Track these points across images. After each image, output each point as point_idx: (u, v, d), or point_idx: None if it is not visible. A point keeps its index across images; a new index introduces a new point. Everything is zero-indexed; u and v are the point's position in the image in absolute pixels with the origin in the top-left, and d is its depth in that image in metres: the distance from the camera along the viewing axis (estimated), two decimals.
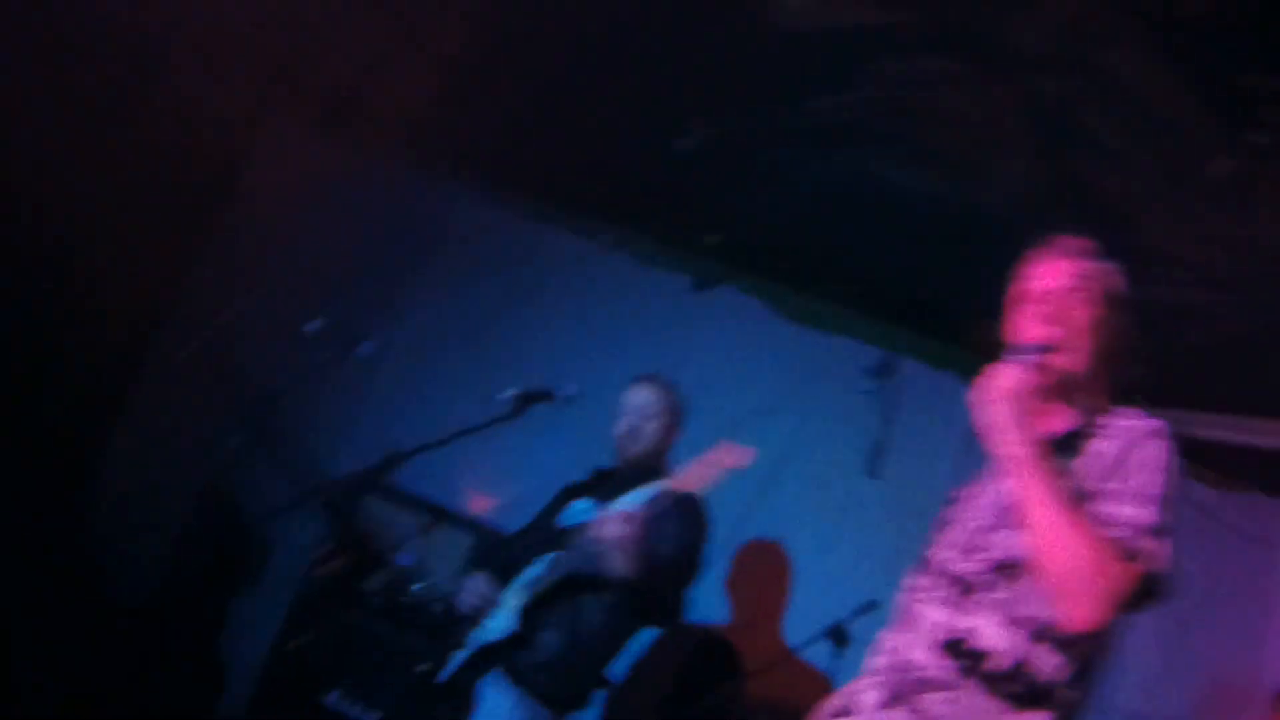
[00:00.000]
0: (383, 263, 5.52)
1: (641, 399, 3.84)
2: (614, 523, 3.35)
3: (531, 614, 3.49)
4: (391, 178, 5.49)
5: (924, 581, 2.17)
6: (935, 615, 2.08)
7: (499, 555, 3.81)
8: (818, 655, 4.37)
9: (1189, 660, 5.40)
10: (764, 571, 5.35)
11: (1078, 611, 1.90)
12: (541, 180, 5.44)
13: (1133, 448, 2.02)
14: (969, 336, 5.13)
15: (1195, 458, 5.26)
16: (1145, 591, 1.94)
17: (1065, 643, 1.97)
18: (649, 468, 3.73)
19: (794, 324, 5.63)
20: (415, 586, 4.22)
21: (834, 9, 3.44)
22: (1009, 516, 2.04)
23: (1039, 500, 1.95)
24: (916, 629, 2.11)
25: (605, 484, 3.76)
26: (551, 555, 3.55)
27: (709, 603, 5.14)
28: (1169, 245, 4.08)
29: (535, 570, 3.56)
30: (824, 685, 4.26)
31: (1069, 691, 2.00)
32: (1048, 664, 1.97)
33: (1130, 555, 1.91)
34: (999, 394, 2.02)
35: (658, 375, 3.96)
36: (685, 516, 3.57)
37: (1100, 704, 5.12)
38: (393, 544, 4.67)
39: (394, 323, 5.44)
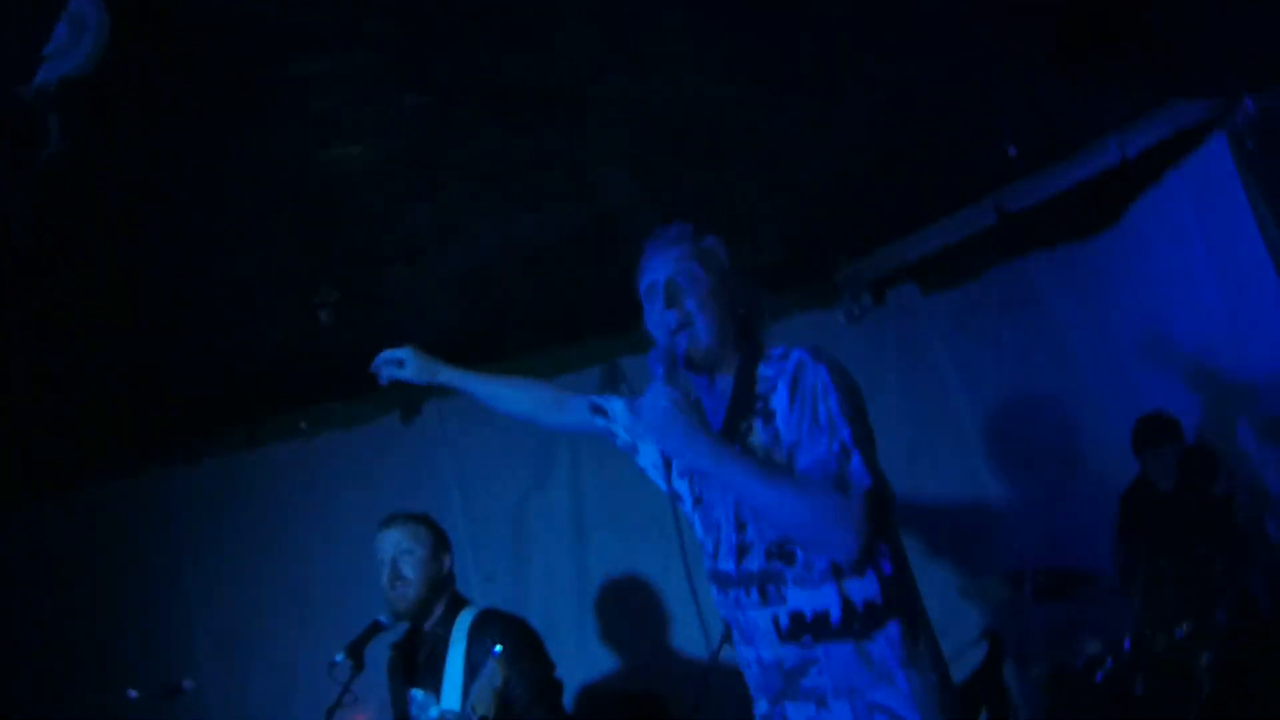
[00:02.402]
0: None
1: (391, 541, 3.55)
2: None
3: None
4: None
5: (728, 594, 2.32)
6: (758, 618, 2.25)
7: None
8: None
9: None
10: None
11: (836, 553, 2.13)
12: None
13: (797, 385, 2.20)
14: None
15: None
16: (875, 504, 2.11)
17: (858, 566, 2.17)
18: (441, 624, 3.53)
19: None
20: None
21: None
22: (744, 508, 2.26)
23: (747, 486, 2.13)
24: (754, 637, 2.28)
25: (416, 659, 3.56)
26: None
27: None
28: None
29: None
30: None
31: (895, 590, 2.22)
32: (859, 591, 2.18)
33: (842, 485, 2.09)
34: (664, 418, 2.15)
35: (399, 511, 3.65)
36: (519, 659, 3.37)
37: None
38: None
39: None
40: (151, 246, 3.86)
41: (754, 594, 2.25)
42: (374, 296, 4.64)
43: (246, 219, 3.86)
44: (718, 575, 2.35)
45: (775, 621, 2.22)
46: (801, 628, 2.20)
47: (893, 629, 2.18)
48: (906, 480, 4.96)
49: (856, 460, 2.10)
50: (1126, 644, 4.26)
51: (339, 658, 3.40)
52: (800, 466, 2.14)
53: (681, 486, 2.47)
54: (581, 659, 5.25)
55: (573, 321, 5.40)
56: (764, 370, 2.29)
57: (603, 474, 5.47)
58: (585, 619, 5.40)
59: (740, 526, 2.27)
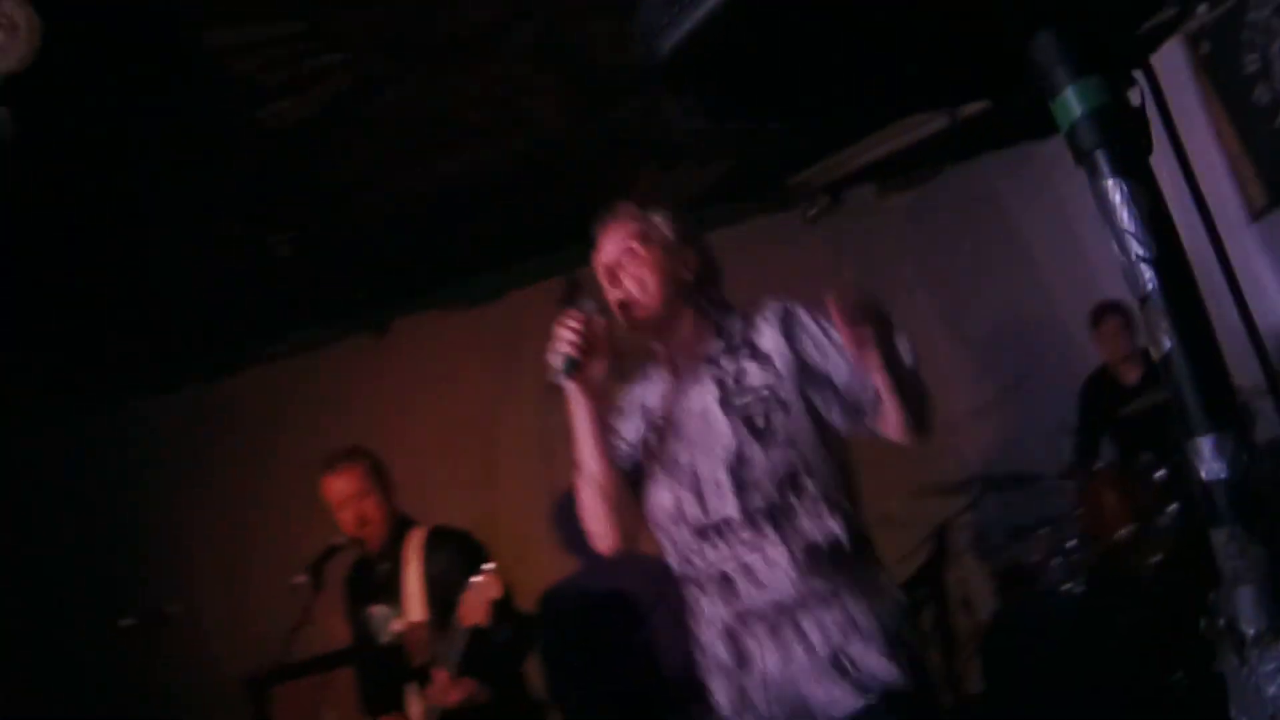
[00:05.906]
0: None
1: (340, 486, 3.67)
2: (442, 688, 3.42)
3: None
4: None
5: (727, 542, 2.21)
6: (777, 555, 2.16)
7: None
8: None
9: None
10: None
11: (905, 434, 2.16)
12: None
13: (792, 325, 2.28)
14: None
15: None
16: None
17: (846, 498, 2.26)
18: (393, 544, 3.72)
19: None
20: None
21: None
22: (745, 444, 2.21)
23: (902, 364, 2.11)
24: (769, 579, 2.17)
25: (372, 578, 3.75)
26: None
27: None
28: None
29: None
30: None
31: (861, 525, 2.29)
32: (855, 521, 2.25)
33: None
34: (580, 410, 2.21)
35: (341, 454, 3.72)
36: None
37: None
38: None
39: None
40: (109, 208, 4.00)
41: (769, 529, 2.18)
42: (329, 228, 4.69)
43: (195, 167, 3.95)
44: (710, 527, 2.22)
45: (792, 556, 2.16)
46: (818, 558, 2.17)
47: (872, 555, 2.28)
48: None
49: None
50: (1072, 544, 4.37)
51: (299, 578, 3.62)
52: (843, 382, 2.21)
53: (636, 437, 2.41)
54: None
55: (527, 239, 5.45)
56: (731, 322, 2.34)
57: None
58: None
59: (741, 462, 2.20)
